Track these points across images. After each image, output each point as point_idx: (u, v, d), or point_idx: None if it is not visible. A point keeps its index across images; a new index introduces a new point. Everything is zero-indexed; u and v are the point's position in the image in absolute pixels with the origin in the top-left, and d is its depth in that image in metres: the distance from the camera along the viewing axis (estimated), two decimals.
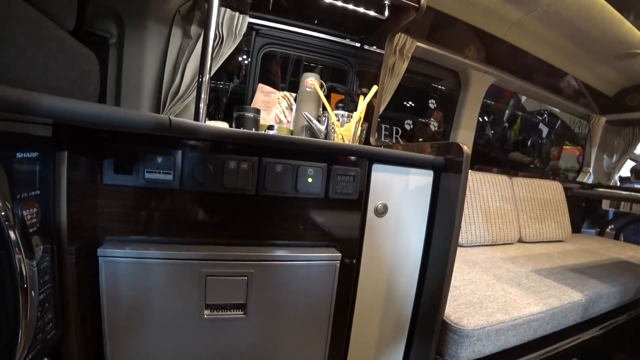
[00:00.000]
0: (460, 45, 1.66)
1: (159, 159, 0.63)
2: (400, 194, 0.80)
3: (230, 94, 1.65)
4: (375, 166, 0.76)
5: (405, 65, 1.43)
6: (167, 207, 0.65)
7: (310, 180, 0.69)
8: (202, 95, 0.98)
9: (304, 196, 0.70)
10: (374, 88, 1.05)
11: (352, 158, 0.74)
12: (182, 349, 0.69)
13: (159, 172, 0.63)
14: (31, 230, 0.48)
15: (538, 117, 2.68)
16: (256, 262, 0.67)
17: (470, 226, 1.52)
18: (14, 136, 0.45)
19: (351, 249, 0.77)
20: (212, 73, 1.15)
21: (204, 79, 0.97)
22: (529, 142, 2.67)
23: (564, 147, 3.01)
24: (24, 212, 0.46)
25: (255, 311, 0.70)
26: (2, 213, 0.39)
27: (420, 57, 1.61)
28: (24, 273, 0.42)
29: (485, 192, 1.62)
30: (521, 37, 1.67)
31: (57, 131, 0.53)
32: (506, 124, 2.61)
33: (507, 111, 2.59)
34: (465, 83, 1.81)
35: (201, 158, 0.64)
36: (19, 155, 0.45)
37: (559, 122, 2.81)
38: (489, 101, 2.36)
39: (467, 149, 0.77)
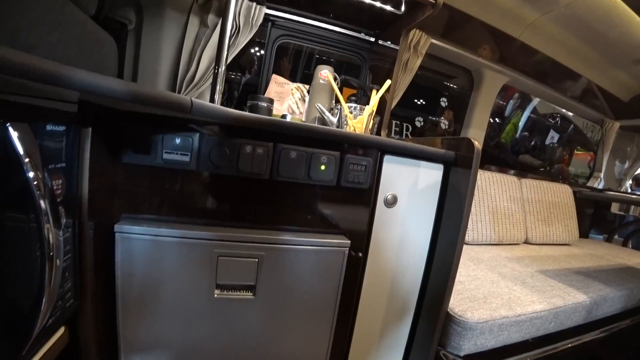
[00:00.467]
0: (474, 43, 1.65)
1: (177, 141, 0.65)
2: (410, 186, 0.81)
3: (242, 86, 1.67)
4: (386, 157, 0.77)
5: (419, 62, 1.43)
6: (183, 187, 0.67)
7: (323, 167, 0.71)
8: (218, 87, 1.00)
9: (316, 183, 0.72)
10: (387, 82, 1.06)
11: (364, 149, 0.75)
12: (192, 327, 0.71)
13: (177, 153, 0.65)
14: (58, 199, 0.50)
15: (550, 120, 2.66)
16: (267, 245, 0.69)
17: (477, 224, 1.52)
18: (44, 110, 0.47)
19: (360, 237, 0.78)
20: (228, 62, 1.17)
21: (220, 69, 0.99)
22: (531, 144, 2.65)
23: (575, 152, 2.98)
24: (52, 182, 0.48)
25: (264, 293, 0.72)
26: (35, 182, 0.42)
27: (433, 54, 1.61)
28: (51, 241, 0.44)
29: (494, 192, 1.62)
30: (536, 37, 1.66)
31: (81, 109, 0.55)
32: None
33: (508, 108, 2.57)
34: (478, 82, 1.80)
35: (218, 141, 0.66)
36: (49, 127, 0.47)
37: (572, 126, 2.78)
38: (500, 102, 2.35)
39: (478, 144, 0.78)
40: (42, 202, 0.42)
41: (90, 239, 0.61)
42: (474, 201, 1.53)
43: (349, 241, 0.75)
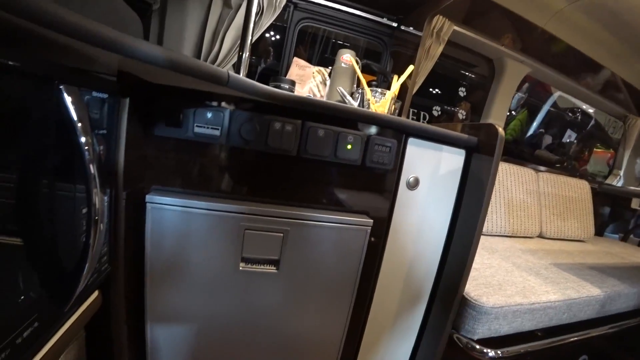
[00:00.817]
0: (497, 32, 1.62)
1: (209, 115, 0.66)
2: (432, 171, 0.81)
3: (261, 71, 1.67)
4: (410, 140, 0.77)
5: (440, 49, 1.41)
6: (212, 161, 0.69)
7: (349, 147, 0.72)
8: (243, 65, 1.01)
9: (342, 162, 0.73)
10: (410, 67, 1.05)
11: (390, 130, 0.75)
12: (215, 298, 0.74)
13: (208, 127, 0.66)
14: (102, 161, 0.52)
15: (569, 114, 2.60)
16: (293, 220, 0.71)
17: (492, 215, 1.52)
18: (90, 76, 0.49)
19: (381, 218, 0.80)
20: (253, 41, 1.17)
21: (245, 48, 0.99)
22: (549, 139, 2.60)
23: (595, 150, 2.91)
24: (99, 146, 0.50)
25: (287, 268, 0.74)
26: (86, 147, 0.43)
27: (455, 41, 1.59)
28: (97, 205, 0.46)
29: (510, 183, 1.61)
30: (562, 27, 1.62)
31: (120, 79, 0.57)
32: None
33: (512, 102, 2.51)
34: (500, 72, 1.77)
35: (248, 117, 0.67)
36: (95, 94, 0.49)
37: (593, 121, 2.72)
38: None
39: (502, 130, 0.78)
40: (91, 167, 0.44)
41: (123, 207, 0.63)
42: None
43: (371, 220, 0.76)
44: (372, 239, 0.78)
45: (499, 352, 0.95)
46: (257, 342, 0.80)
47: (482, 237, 1.49)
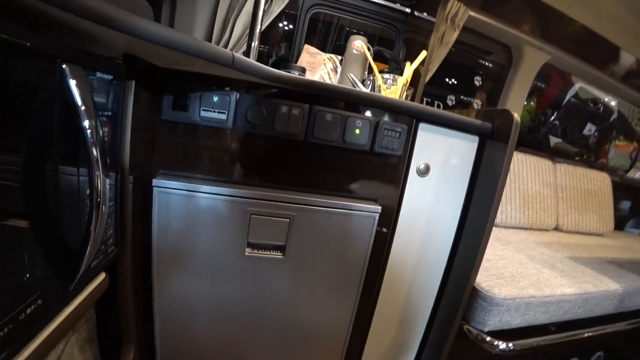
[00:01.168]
0: (515, 17, 1.56)
1: (215, 98, 0.66)
2: (444, 157, 0.79)
3: (274, 61, 1.66)
4: (421, 125, 0.75)
5: (455, 35, 1.37)
6: (219, 145, 0.69)
7: (357, 131, 0.70)
8: (253, 50, 1.00)
9: (350, 147, 0.71)
10: (423, 53, 1.02)
11: (399, 115, 0.73)
12: (222, 283, 0.74)
13: (214, 111, 0.66)
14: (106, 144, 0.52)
15: (591, 104, 2.50)
16: (299, 206, 0.70)
17: (506, 206, 1.48)
18: (94, 56, 0.48)
19: (391, 204, 0.78)
20: (262, 29, 1.16)
21: (255, 33, 0.98)
22: (565, 130, 2.51)
23: (617, 143, 2.80)
24: (103, 128, 0.50)
25: (293, 254, 0.73)
26: (88, 128, 0.43)
27: (471, 27, 1.53)
28: (99, 188, 0.46)
29: (526, 175, 1.56)
30: (585, 12, 1.54)
31: (126, 61, 0.56)
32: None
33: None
34: (517, 59, 1.71)
35: (255, 100, 0.66)
36: (99, 74, 0.49)
37: (615, 113, 2.61)
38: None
39: (517, 116, 0.75)
40: (94, 149, 0.44)
41: (130, 190, 0.63)
42: None
43: (380, 207, 0.75)
44: (381, 226, 0.77)
45: (510, 344, 0.92)
46: (263, 328, 0.80)
47: (495, 228, 1.46)
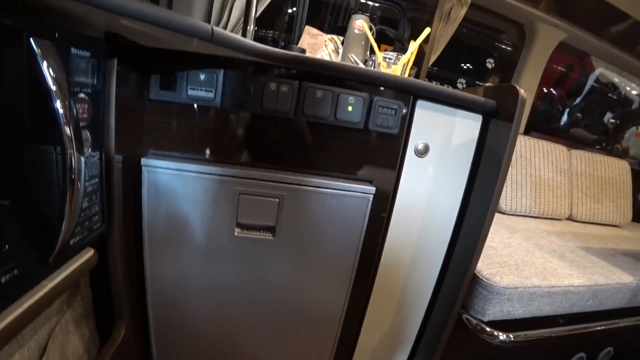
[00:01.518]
0: None
1: (202, 76, 0.64)
2: (444, 137, 0.75)
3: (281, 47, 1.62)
4: (419, 102, 0.71)
5: (463, 12, 1.30)
6: (207, 124, 0.67)
7: (350, 108, 0.67)
8: (249, 30, 0.97)
9: (342, 125, 0.68)
10: (427, 30, 0.97)
11: (395, 91, 0.70)
12: (213, 263, 0.73)
13: (201, 90, 0.64)
14: (82, 124, 0.50)
15: (611, 87, 2.37)
16: (289, 185, 0.68)
17: (517, 193, 1.42)
18: (69, 33, 0.46)
19: (387, 185, 0.75)
20: (258, 13, 1.13)
21: (249, 26, 0.95)
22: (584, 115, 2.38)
23: (638, 131, 2.66)
24: (77, 107, 0.49)
25: (284, 235, 0.72)
26: (62, 111, 0.41)
27: (480, 3, 1.45)
28: (73, 166, 0.45)
29: (538, 161, 1.49)
30: None
31: (108, 40, 0.54)
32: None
33: None
34: (531, 38, 1.62)
35: (242, 78, 0.64)
36: (74, 51, 0.47)
37: (637, 99, 2.47)
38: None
39: (523, 92, 0.70)
40: (67, 129, 0.43)
41: (119, 169, 0.62)
42: (514, 169, 1.43)
43: (374, 188, 0.72)
44: (376, 208, 0.74)
45: (510, 335, 0.89)
46: (256, 310, 0.79)
47: (504, 216, 1.41)
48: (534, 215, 1.48)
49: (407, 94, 0.70)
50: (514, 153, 1.36)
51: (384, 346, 0.95)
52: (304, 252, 0.74)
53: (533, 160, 1.48)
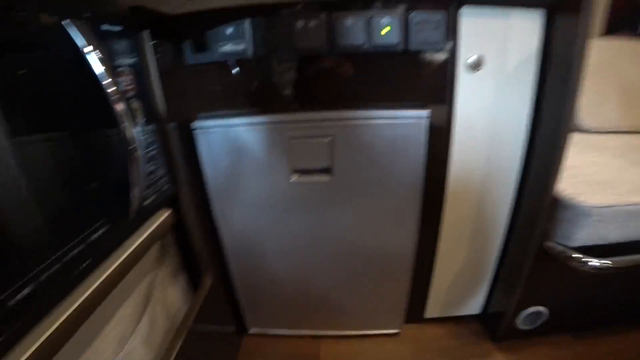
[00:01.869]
0: None
1: (230, 31, 0.64)
2: (499, 45, 0.66)
3: None
4: (464, 10, 0.62)
5: None
6: (245, 76, 0.67)
7: (385, 31, 0.61)
8: None
9: (381, 50, 0.63)
10: None
11: (434, 1, 0.62)
12: (276, 212, 0.77)
13: (232, 44, 0.64)
14: (130, 96, 0.54)
15: None
16: (338, 122, 0.67)
17: (600, 107, 1.22)
18: (98, 12, 0.49)
19: (441, 108, 0.70)
20: None
21: None
22: None
23: None
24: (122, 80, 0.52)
25: (341, 174, 0.71)
26: (109, 88, 0.44)
27: None
28: (130, 137, 0.49)
29: (627, 66, 1.25)
30: None
31: (134, 13, 0.56)
32: None
33: None
34: None
35: (269, 22, 0.63)
36: (108, 27, 0.50)
37: None
38: None
39: None
40: (116, 103, 0.46)
41: (174, 134, 0.66)
42: (595, 78, 1.22)
43: (427, 111, 0.67)
44: (433, 133, 0.69)
45: (606, 261, 0.78)
46: (326, 254, 0.82)
47: (585, 135, 1.23)
48: (625, 130, 1.26)
49: (446, 1, 0.62)
50: (594, 58, 1.15)
51: (460, 282, 0.92)
52: (364, 190, 0.73)
53: (620, 65, 1.24)
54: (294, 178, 0.72)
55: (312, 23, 0.61)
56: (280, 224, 0.78)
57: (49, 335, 0.33)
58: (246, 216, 0.77)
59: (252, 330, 1.01)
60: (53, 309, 0.36)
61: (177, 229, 0.68)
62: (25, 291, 0.31)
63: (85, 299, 0.40)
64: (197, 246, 0.73)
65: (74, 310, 0.38)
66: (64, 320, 0.36)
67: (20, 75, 0.35)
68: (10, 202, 0.32)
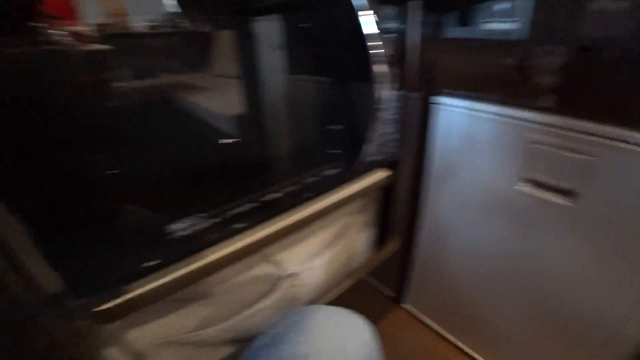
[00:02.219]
0: None
1: (499, 6, 0.57)
2: None
3: None
4: None
5: None
6: (503, 60, 0.60)
7: None
8: None
9: None
10: None
11: None
12: (483, 215, 0.70)
13: (500, 21, 0.58)
14: (390, 60, 0.59)
15: None
16: (607, 142, 0.49)
17: None
18: None
19: None
20: None
21: None
22: None
23: None
24: (386, 44, 0.58)
25: (586, 206, 0.54)
26: (377, 50, 0.52)
27: None
28: (379, 98, 0.56)
29: None
30: None
31: None
32: None
33: None
34: None
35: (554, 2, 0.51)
36: None
37: None
38: None
39: None
40: (376, 66, 0.53)
41: (416, 104, 0.70)
42: None
43: None
44: None
45: None
46: (519, 287, 0.69)
47: None
48: None
49: None
50: None
51: None
52: (607, 239, 0.53)
53: None
54: (520, 186, 0.61)
55: (616, 5, 0.45)
56: (482, 226, 0.70)
57: (282, 229, 0.49)
58: (453, 203, 0.74)
59: (407, 307, 1.01)
60: (287, 212, 0.51)
61: (386, 188, 0.74)
62: (272, 195, 0.46)
63: (305, 217, 0.52)
64: (398, 211, 0.78)
65: (297, 221, 0.51)
66: (291, 224, 0.50)
67: (303, 28, 0.47)
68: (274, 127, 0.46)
